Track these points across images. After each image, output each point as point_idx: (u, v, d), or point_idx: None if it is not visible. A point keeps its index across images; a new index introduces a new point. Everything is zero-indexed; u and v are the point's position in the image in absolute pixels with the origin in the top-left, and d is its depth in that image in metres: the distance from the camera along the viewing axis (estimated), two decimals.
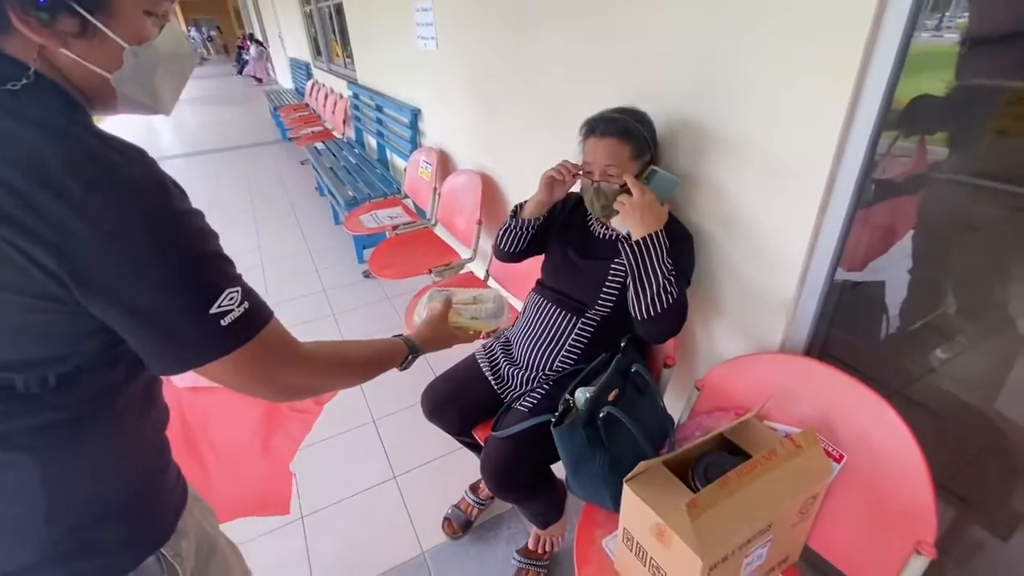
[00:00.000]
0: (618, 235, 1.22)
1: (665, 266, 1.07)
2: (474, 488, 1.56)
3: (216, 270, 0.51)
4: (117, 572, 0.57)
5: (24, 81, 0.45)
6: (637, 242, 1.07)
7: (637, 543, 0.88)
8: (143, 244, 0.45)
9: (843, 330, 1.15)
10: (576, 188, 1.29)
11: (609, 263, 1.20)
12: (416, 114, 2.97)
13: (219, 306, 0.50)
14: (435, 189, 2.60)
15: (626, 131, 1.13)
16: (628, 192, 1.09)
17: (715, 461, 0.89)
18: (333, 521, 1.57)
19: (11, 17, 0.44)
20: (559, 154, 1.70)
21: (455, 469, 1.70)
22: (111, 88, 0.51)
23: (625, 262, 1.10)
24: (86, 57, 0.48)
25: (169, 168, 0.50)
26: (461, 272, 2.25)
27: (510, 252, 1.38)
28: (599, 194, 1.16)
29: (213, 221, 0.52)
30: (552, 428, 1.01)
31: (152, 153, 0.50)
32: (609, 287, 1.19)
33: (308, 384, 0.63)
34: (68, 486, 0.53)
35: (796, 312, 1.06)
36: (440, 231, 2.60)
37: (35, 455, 0.50)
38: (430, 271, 2.16)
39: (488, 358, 1.36)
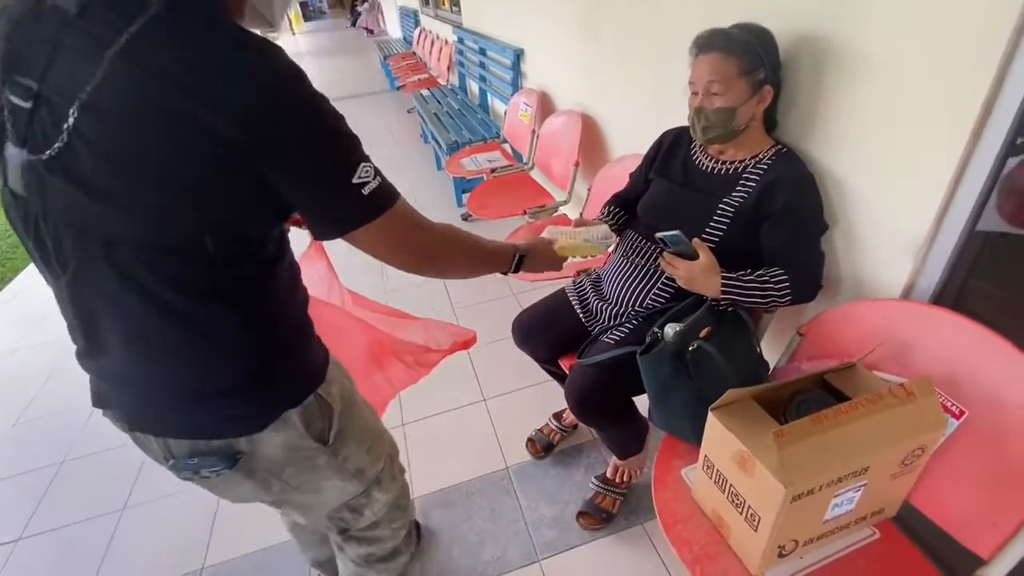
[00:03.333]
0: (731, 168, 1.16)
1: (756, 287, 1.05)
2: (558, 416, 1.64)
3: (351, 146, 0.61)
4: (286, 404, 0.70)
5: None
6: (723, 298, 1.06)
7: (717, 471, 0.88)
8: (300, 118, 0.56)
9: (989, 283, 1.01)
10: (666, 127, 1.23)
11: (716, 200, 1.14)
12: (519, 55, 2.94)
13: (359, 177, 0.60)
14: (534, 132, 2.59)
15: (730, 43, 1.04)
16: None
17: (812, 398, 0.86)
18: (429, 431, 1.75)
19: None
20: (667, 88, 1.63)
21: (539, 398, 1.80)
22: (244, 1, 0.62)
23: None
24: None
25: None
26: (555, 215, 2.26)
27: None
28: (700, 115, 1.10)
29: None
30: (638, 356, 1.03)
31: None
32: (714, 225, 1.13)
33: (434, 250, 0.74)
34: (256, 329, 0.65)
35: (927, 256, 0.95)
36: (536, 174, 2.61)
37: (232, 305, 0.62)
38: (525, 212, 2.21)
39: (578, 292, 1.39)
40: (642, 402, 1.23)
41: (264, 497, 0.77)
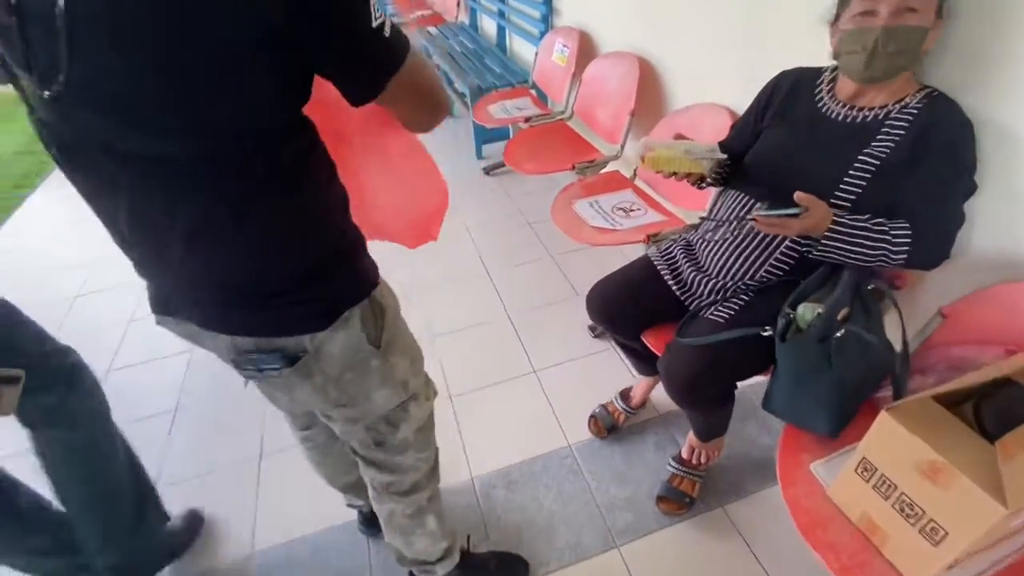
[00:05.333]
0: (869, 115, 0.99)
1: (866, 235, 0.93)
2: (624, 396, 1.52)
3: None
4: (347, 303, 0.71)
5: None
6: (826, 238, 0.94)
7: (882, 476, 0.78)
8: None
9: None
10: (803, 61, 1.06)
11: (854, 152, 0.98)
12: None
13: (375, 18, 0.54)
14: (574, 76, 2.35)
15: None
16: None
17: (1014, 401, 0.74)
18: (478, 404, 1.63)
19: None
20: (759, 31, 1.42)
21: (592, 370, 1.70)
22: None
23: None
24: None
25: None
26: (603, 171, 2.07)
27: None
28: (890, 37, 0.88)
29: None
30: (777, 342, 0.90)
31: None
32: (850, 182, 0.98)
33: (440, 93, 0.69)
34: (309, 224, 0.65)
35: None
36: (575, 124, 2.39)
37: (281, 196, 0.61)
38: (573, 167, 2.02)
39: (666, 261, 1.24)
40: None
41: (320, 403, 0.79)
